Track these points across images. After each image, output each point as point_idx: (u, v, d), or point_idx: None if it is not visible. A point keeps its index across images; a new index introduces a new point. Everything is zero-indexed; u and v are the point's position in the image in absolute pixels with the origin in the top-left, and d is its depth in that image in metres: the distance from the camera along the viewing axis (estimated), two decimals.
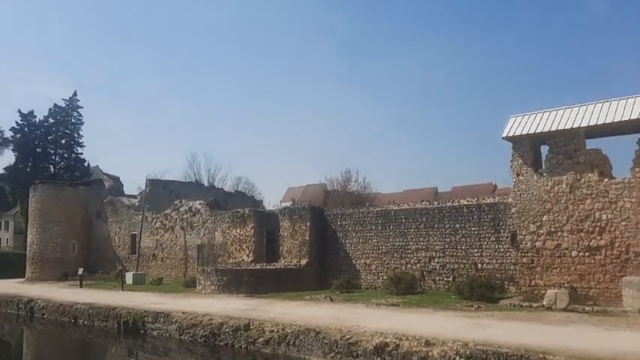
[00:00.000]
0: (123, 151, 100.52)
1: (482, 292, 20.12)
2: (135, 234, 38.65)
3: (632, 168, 18.68)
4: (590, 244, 19.28)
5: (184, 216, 35.35)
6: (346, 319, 16.63)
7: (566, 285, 19.53)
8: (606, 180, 19.21)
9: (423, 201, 26.55)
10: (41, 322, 24.90)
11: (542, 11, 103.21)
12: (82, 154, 59.26)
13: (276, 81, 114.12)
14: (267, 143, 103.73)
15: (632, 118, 18.83)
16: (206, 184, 54.52)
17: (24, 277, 41.77)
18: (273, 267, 26.86)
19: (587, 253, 19.35)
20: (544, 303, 17.86)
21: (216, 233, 32.79)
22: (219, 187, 54.13)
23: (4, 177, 59.03)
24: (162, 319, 19.44)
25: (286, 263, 27.68)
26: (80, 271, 34.08)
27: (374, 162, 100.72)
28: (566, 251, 19.86)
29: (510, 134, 21.49)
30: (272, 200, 74.86)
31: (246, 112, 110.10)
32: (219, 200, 37.90)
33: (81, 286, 32.79)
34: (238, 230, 30.77)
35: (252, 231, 30.02)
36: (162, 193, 41.64)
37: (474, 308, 18.27)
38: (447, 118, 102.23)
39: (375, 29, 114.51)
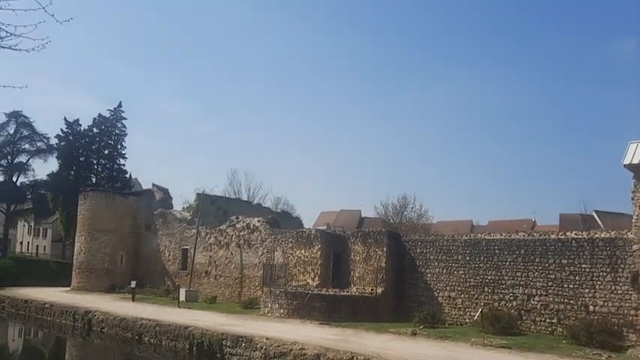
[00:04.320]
0: (158, 166, 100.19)
1: (604, 338, 17.63)
2: (186, 249, 37.06)
3: None
4: None
5: (241, 233, 33.62)
6: None
7: None
8: None
9: (519, 231, 24.21)
10: (100, 336, 23.22)
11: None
12: (124, 165, 58.74)
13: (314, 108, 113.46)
14: (302, 167, 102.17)
15: None
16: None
17: (65, 286, 40.50)
18: (348, 294, 24.73)
19: None
20: None
21: (275, 253, 30.91)
22: (265, 206, 52.75)
23: (47, 184, 58.75)
24: (243, 344, 17.49)
25: (358, 290, 25.56)
26: (133, 284, 32.55)
27: (404, 191, 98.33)
28: None
29: (634, 162, 19.29)
30: (305, 223, 72.87)
31: (283, 134, 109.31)
32: (278, 219, 36.11)
33: (133, 300, 31.15)
34: (303, 251, 28.84)
35: (319, 253, 28.03)
36: (210, 209, 40.25)
37: (604, 358, 15.85)
38: (477, 150, 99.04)
39: (416, 55, 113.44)
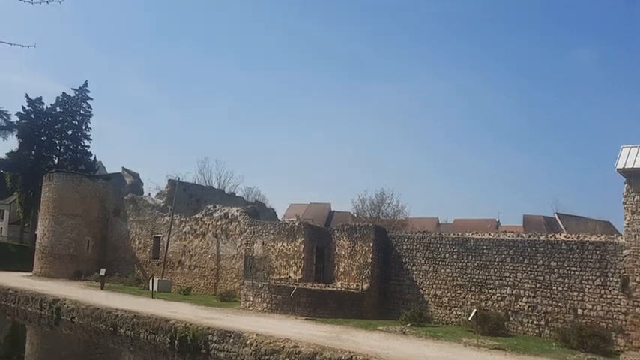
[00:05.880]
0: (125, 151, 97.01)
1: (596, 342, 17.58)
2: (159, 237, 35.69)
3: None
4: None
5: (218, 222, 32.54)
6: None
7: None
8: None
9: (507, 231, 24.09)
10: (70, 326, 21.85)
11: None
12: (88, 147, 56.42)
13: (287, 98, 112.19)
14: (272, 158, 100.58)
15: None
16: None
17: (26, 271, 38.54)
18: (334, 289, 24.13)
19: None
20: None
21: (255, 244, 30.01)
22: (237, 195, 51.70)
23: (6, 163, 55.89)
24: (231, 340, 16.63)
25: (343, 286, 24.98)
26: (102, 271, 31.03)
27: (373, 186, 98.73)
28: None
29: (627, 166, 19.28)
30: None
31: (253, 125, 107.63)
32: (257, 209, 35.18)
33: (102, 288, 29.70)
34: (285, 244, 28.04)
35: (302, 246, 27.30)
36: (182, 196, 38.98)
37: None
38: (444, 149, 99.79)
39: (394, 49, 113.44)
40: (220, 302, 26.63)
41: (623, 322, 18.86)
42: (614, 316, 19.20)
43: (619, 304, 19.17)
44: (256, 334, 16.47)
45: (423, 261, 24.20)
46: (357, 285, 24.47)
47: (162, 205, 37.77)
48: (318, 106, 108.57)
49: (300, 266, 27.02)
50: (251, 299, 23.91)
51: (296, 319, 21.09)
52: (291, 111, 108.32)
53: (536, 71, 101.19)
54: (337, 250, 26.29)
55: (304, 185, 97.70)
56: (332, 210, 70.22)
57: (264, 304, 23.20)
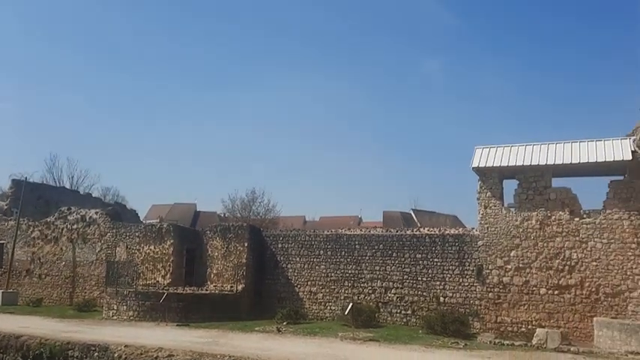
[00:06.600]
0: None
1: (457, 327, 19.10)
2: (2, 243, 31.56)
3: (603, 209, 19.27)
4: (560, 282, 19.40)
5: (74, 226, 29.65)
6: (346, 358, 14.31)
7: (534, 323, 19.42)
8: (577, 219, 19.56)
9: (377, 227, 25.17)
10: None
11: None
12: None
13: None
14: (133, 157, 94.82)
15: (600, 160, 19.52)
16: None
17: None
18: (208, 292, 23.19)
19: (556, 292, 19.41)
20: (533, 342, 17.29)
21: (117, 249, 27.86)
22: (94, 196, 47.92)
23: None
24: (96, 354, 15.11)
25: (217, 288, 24.16)
26: None
27: (240, 186, 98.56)
28: (534, 288, 19.77)
29: (481, 165, 21.19)
30: None
31: (111, 121, 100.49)
32: (119, 210, 32.70)
33: None
34: (152, 247, 26.38)
35: (171, 249, 25.90)
36: (28, 198, 35.01)
37: (461, 346, 17.08)
38: (309, 151, 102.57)
39: (248, 59, 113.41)
40: (79, 313, 24.32)
41: (479, 307, 20.69)
42: (471, 301, 21.01)
43: (475, 290, 21.02)
44: (125, 346, 15.17)
45: (297, 259, 24.35)
46: (232, 286, 23.85)
47: (6, 207, 33.66)
48: (178, 104, 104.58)
49: (169, 270, 25.63)
50: (115, 308, 22.09)
51: (167, 326, 19.97)
52: (148, 106, 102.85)
53: (398, 78, 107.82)
54: (210, 252, 25.41)
55: (167, 185, 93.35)
56: (198, 210, 68.23)
57: (131, 313, 21.58)
